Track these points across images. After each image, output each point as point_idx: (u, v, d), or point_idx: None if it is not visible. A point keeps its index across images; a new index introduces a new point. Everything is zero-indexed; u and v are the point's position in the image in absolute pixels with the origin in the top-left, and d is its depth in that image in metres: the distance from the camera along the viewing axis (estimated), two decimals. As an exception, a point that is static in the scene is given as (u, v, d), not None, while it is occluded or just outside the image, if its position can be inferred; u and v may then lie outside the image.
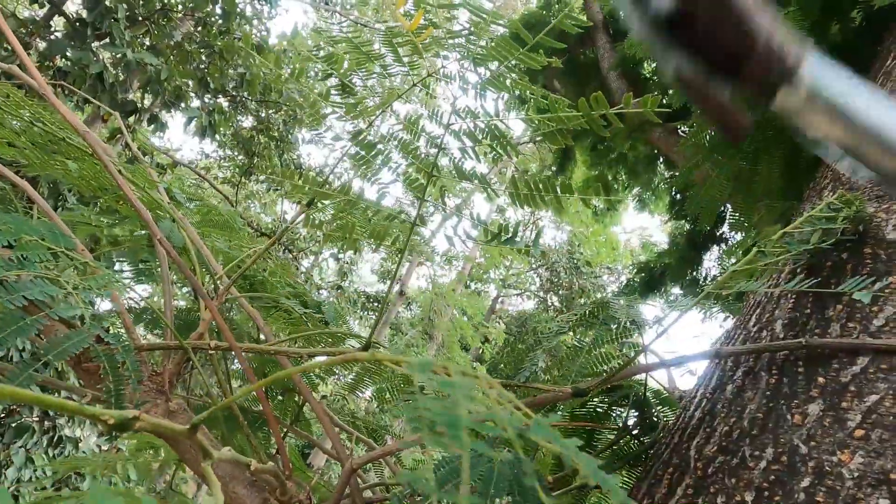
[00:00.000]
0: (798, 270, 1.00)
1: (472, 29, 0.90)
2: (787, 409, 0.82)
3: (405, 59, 1.10)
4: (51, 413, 5.41)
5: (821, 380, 0.81)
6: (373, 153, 1.02)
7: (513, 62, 0.85)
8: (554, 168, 7.76)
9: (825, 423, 0.75)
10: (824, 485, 0.69)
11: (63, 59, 5.70)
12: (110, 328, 1.08)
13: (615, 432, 1.33)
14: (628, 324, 1.07)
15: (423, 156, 1.10)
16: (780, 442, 0.78)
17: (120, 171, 1.18)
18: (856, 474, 0.67)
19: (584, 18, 5.71)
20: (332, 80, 1.15)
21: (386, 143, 1.12)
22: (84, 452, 5.88)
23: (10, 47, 5.20)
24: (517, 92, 1.04)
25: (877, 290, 0.78)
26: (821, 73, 0.44)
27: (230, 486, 1.08)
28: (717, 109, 0.49)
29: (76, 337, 0.89)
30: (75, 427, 5.65)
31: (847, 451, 0.69)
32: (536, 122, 0.89)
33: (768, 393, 0.88)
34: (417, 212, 1.07)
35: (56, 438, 5.56)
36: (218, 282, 1.44)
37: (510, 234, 0.94)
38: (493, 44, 0.85)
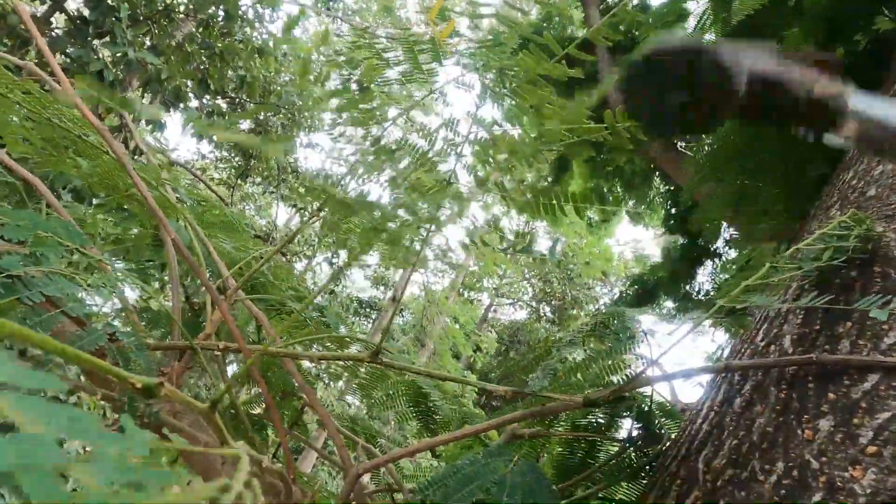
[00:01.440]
0: (807, 287, 1.01)
1: (498, 39, 0.91)
2: (797, 423, 0.83)
3: (425, 68, 1.11)
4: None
5: (831, 396, 0.82)
6: (390, 160, 1.03)
7: (537, 73, 0.86)
8: (550, 179, 7.80)
9: (836, 440, 0.76)
10: (836, 500, 0.70)
11: (63, 56, 5.68)
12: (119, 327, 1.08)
13: (616, 444, 1.34)
14: (643, 334, 1.08)
15: (436, 164, 1.11)
16: (791, 456, 0.79)
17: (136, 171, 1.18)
18: (868, 490, 0.68)
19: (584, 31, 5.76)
20: (335, 82, 1.16)
21: (403, 150, 1.13)
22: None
23: (10, 41, 5.15)
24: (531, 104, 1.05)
25: (891, 309, 0.79)
26: (861, 103, 0.56)
27: (236, 489, 1.08)
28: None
29: (90, 335, 0.89)
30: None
31: (859, 467, 0.70)
32: (553, 133, 0.91)
33: (778, 407, 0.89)
34: (434, 219, 1.08)
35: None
36: (224, 283, 1.44)
37: (527, 243, 0.95)
38: (523, 56, 0.86)
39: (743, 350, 1.14)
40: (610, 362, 1.11)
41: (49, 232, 0.98)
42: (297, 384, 1.57)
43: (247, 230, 2.17)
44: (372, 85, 1.14)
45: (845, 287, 0.95)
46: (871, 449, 0.71)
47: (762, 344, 1.06)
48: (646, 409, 1.26)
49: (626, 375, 1.19)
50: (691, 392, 1.36)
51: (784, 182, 1.79)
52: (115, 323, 1.06)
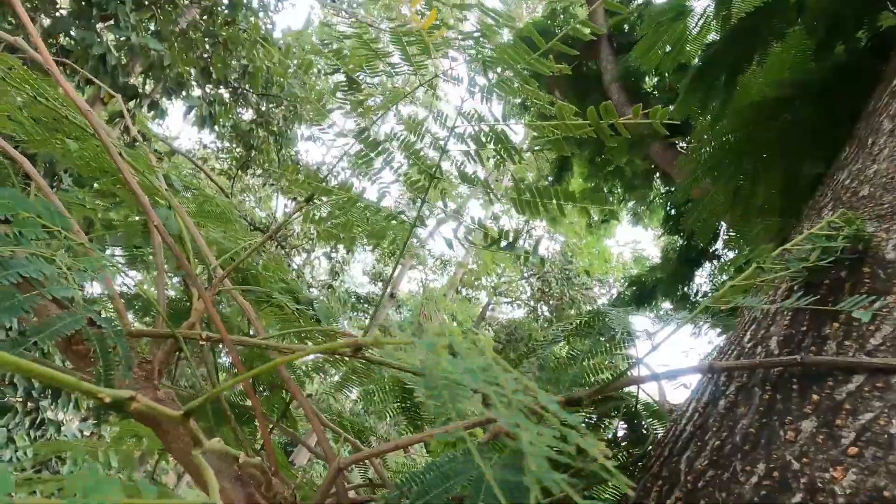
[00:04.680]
0: (795, 288, 1.00)
1: (483, 31, 0.90)
2: (779, 425, 0.82)
3: (413, 59, 1.10)
4: (34, 394, 5.36)
5: (815, 397, 0.81)
6: (376, 152, 1.02)
7: (521, 67, 0.85)
8: (551, 178, 7.78)
9: (818, 440, 0.75)
10: (816, 501, 0.69)
11: (66, 38, 5.66)
12: (102, 312, 1.07)
13: (604, 443, 1.33)
14: (624, 335, 1.07)
15: (425, 157, 1.10)
16: (773, 458, 0.78)
17: (120, 154, 1.17)
18: (848, 491, 0.67)
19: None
20: (339, 77, 1.14)
21: (390, 143, 1.11)
22: (66, 436, 5.82)
23: (15, 20, 5.15)
24: (520, 98, 1.04)
25: (875, 309, 0.78)
26: None
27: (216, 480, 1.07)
28: None
29: (69, 318, 0.87)
30: (58, 410, 5.60)
31: (840, 468, 0.69)
32: (542, 128, 0.89)
33: (761, 409, 0.88)
34: (417, 213, 1.07)
35: (38, 420, 5.51)
36: (212, 272, 1.43)
37: (510, 241, 0.94)
38: (504, 48, 0.84)
39: (730, 351, 1.12)
40: (593, 362, 1.10)
41: (31, 213, 0.97)
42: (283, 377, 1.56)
43: (240, 221, 2.15)
44: (360, 76, 1.13)
45: (834, 288, 0.94)
46: (853, 450, 0.70)
47: (749, 345, 1.05)
48: (632, 408, 1.25)
49: (611, 375, 1.17)
50: (682, 392, 1.35)
51: (779, 182, 1.77)
52: (99, 308, 1.05)
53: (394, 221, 1.22)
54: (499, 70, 0.93)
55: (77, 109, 1.01)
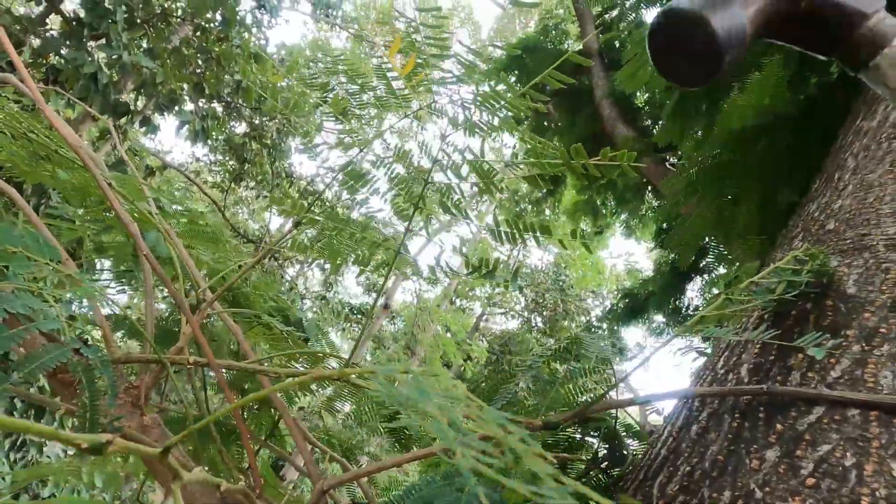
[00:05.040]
0: (766, 317, 1.04)
1: (463, 72, 0.93)
2: (746, 453, 0.85)
3: (398, 93, 1.13)
4: (15, 415, 5.31)
5: (779, 427, 0.84)
6: (360, 182, 1.05)
7: (500, 106, 0.88)
8: (544, 191, 7.83)
9: (780, 470, 0.78)
10: (776, 530, 0.72)
11: (57, 58, 5.68)
12: (89, 339, 1.09)
13: (586, 464, 1.35)
14: (598, 361, 1.10)
15: (410, 186, 1.13)
16: (738, 486, 0.81)
17: (110, 185, 1.19)
18: (805, 522, 0.70)
19: (581, 47, 5.81)
20: (326, 103, 1.18)
21: (377, 169, 1.14)
22: (48, 457, 5.76)
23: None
24: (503, 132, 1.07)
25: (829, 348, 0.81)
26: None
27: (199, 503, 1.09)
28: None
29: (55, 351, 0.89)
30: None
31: (798, 498, 0.72)
32: (521, 166, 0.93)
33: (730, 436, 0.91)
34: (401, 241, 1.10)
35: (20, 441, 5.46)
36: (201, 295, 1.45)
37: (490, 269, 0.97)
38: (482, 91, 0.88)
39: (705, 376, 1.15)
40: (571, 386, 1.13)
41: (19, 246, 0.99)
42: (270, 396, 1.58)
43: (229, 241, 2.17)
44: (347, 108, 1.16)
45: (800, 319, 0.97)
46: (811, 481, 0.73)
47: (722, 371, 1.08)
48: (612, 429, 1.27)
49: (590, 398, 1.20)
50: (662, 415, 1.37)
51: (758, 206, 1.82)
52: (85, 336, 1.07)
53: (379, 249, 1.25)
54: (479, 109, 0.97)
55: (68, 145, 1.04)
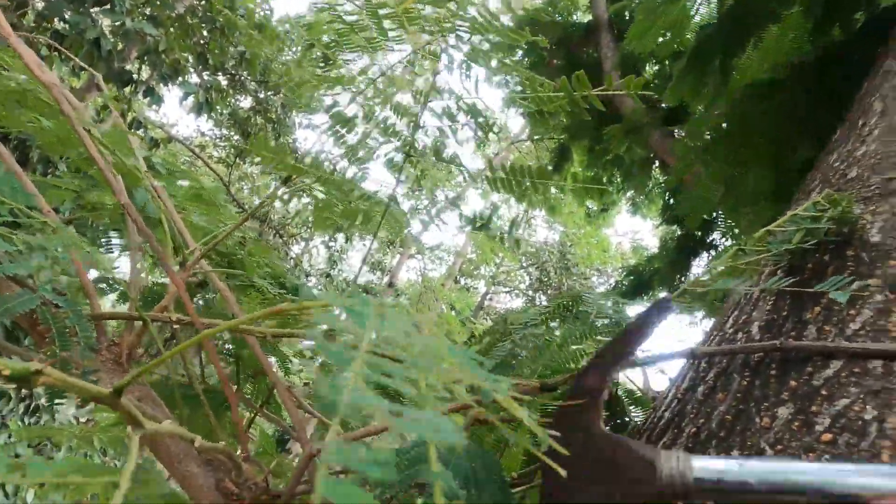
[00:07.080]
0: (778, 272, 0.97)
1: (457, 3, 0.86)
2: (756, 411, 0.79)
3: (390, 34, 1.06)
4: (28, 381, 5.36)
5: (793, 383, 0.78)
6: (347, 127, 0.99)
7: (493, 36, 0.82)
8: (550, 167, 7.72)
9: (793, 427, 0.72)
10: (788, 490, 0.66)
11: (61, 22, 5.60)
12: (67, 293, 1.04)
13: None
14: (601, 320, 1.04)
15: (401, 132, 1.07)
16: (747, 445, 0.76)
17: (89, 131, 1.14)
18: (820, 480, 0.64)
19: (590, 17, 5.66)
20: (305, 48, 1.11)
21: (366, 112, 1.08)
22: (61, 423, 5.82)
23: (11, 2, 5.08)
24: (500, 75, 1.00)
25: (854, 290, 0.75)
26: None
27: (183, 464, 1.05)
28: None
29: (24, 296, 0.85)
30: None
31: (812, 455, 0.67)
32: (518, 100, 0.86)
33: (739, 395, 0.85)
34: (393, 189, 1.04)
35: (33, 407, 5.51)
36: (189, 255, 1.40)
37: (484, 221, 0.91)
38: (474, 19, 0.81)
39: (713, 336, 1.10)
40: (572, 348, 1.07)
41: (-9, 191, 0.94)
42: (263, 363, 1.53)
43: (226, 206, 2.12)
44: (336, 52, 1.10)
45: (817, 271, 0.90)
46: (827, 436, 0.67)
47: (731, 330, 1.02)
48: (613, 395, 1.22)
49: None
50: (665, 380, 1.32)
51: (771, 166, 1.73)
52: (60, 288, 1.03)
53: (371, 201, 1.19)
54: (474, 40, 0.90)
55: (39, 81, 0.98)
